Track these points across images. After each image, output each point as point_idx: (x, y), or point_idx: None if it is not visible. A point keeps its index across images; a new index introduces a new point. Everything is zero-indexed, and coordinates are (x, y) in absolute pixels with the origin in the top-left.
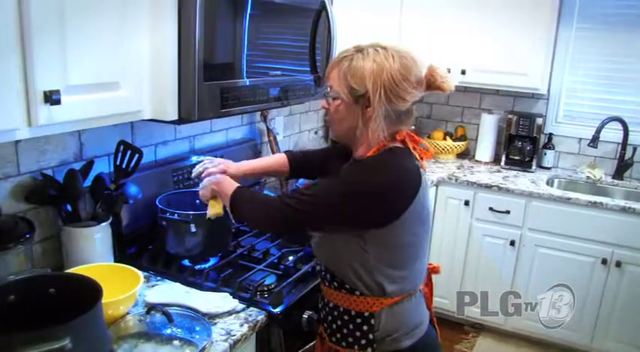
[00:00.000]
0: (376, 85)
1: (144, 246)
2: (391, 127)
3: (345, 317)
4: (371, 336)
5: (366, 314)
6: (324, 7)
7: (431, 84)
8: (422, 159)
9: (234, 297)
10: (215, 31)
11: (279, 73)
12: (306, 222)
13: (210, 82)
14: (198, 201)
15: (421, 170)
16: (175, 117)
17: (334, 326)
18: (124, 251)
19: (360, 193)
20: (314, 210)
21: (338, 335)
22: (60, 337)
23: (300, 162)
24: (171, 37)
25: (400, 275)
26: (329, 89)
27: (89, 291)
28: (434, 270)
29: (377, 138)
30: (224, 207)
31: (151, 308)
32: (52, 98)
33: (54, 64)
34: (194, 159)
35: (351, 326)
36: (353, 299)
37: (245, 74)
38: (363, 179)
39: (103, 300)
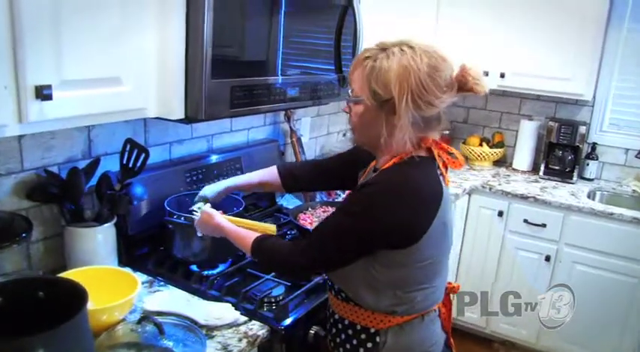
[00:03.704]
0: (402, 90)
1: (155, 248)
2: (418, 135)
3: (350, 331)
4: None
5: (372, 330)
6: (350, 3)
7: (462, 86)
8: (446, 168)
9: (236, 308)
10: (228, 25)
11: (299, 71)
12: (323, 266)
13: (220, 79)
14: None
15: (443, 183)
16: (181, 115)
17: (338, 339)
18: (132, 252)
19: (369, 231)
20: (324, 258)
21: (341, 350)
22: (32, 348)
23: (292, 176)
24: (178, 30)
25: (411, 296)
26: (351, 92)
27: (76, 298)
28: (453, 290)
29: (402, 147)
30: None
31: (143, 317)
32: (42, 93)
33: (47, 56)
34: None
35: (354, 342)
36: (360, 313)
37: (267, 72)
38: (373, 215)
39: (98, 306)
